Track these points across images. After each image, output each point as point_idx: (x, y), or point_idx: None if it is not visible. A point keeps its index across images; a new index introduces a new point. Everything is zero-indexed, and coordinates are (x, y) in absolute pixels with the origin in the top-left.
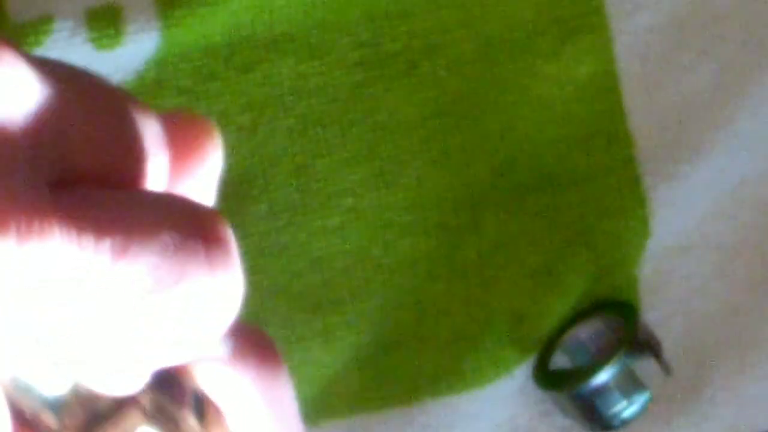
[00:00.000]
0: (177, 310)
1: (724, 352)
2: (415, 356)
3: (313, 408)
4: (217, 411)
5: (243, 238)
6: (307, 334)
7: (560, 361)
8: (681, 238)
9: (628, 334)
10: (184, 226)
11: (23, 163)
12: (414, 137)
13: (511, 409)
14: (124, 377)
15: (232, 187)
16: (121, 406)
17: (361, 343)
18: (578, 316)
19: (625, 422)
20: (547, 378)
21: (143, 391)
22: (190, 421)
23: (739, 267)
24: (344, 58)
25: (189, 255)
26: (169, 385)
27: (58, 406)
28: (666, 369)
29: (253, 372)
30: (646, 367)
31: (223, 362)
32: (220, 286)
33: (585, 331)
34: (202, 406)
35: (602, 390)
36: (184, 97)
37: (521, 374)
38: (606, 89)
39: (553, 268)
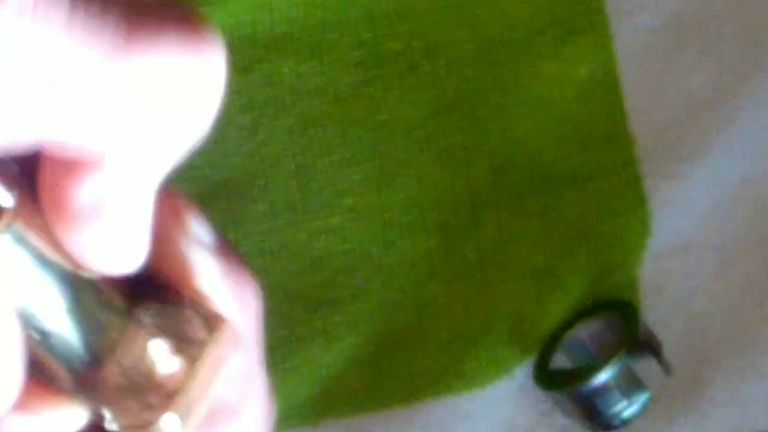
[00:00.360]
0: (146, 80)
1: (724, 352)
2: (415, 356)
3: (313, 408)
4: (223, 320)
5: (243, 238)
6: (307, 334)
7: (560, 361)
8: (681, 238)
9: (628, 334)
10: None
11: None
12: (414, 137)
13: (511, 409)
14: (132, 206)
15: (232, 187)
16: (125, 332)
17: (361, 343)
18: (578, 316)
19: (625, 422)
20: (547, 378)
21: (145, 309)
22: (196, 328)
23: (739, 267)
24: (344, 58)
25: (159, 24)
26: (169, 298)
27: (64, 345)
28: (666, 369)
29: (225, 273)
30: (646, 367)
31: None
32: (197, 62)
33: (585, 331)
34: (208, 317)
35: (602, 390)
36: None
37: (521, 374)
38: (606, 89)
39: (553, 268)
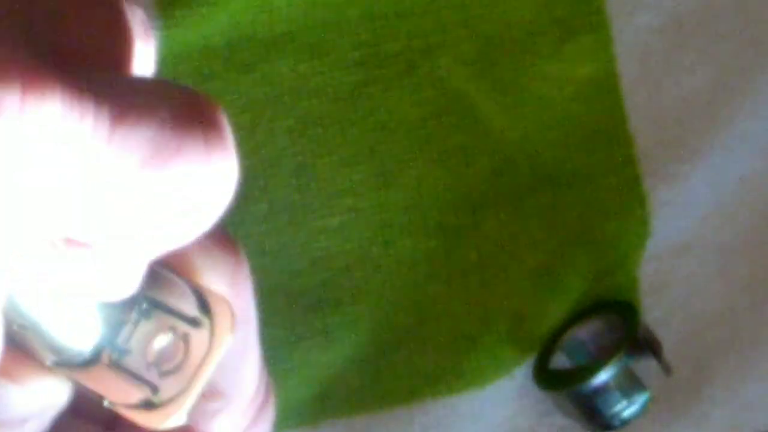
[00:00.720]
0: (172, 188)
1: (724, 352)
2: (415, 356)
3: (313, 408)
4: (220, 300)
5: (243, 238)
6: (307, 334)
7: (560, 361)
8: (681, 238)
9: (628, 334)
10: (183, 105)
11: (20, 30)
12: (414, 137)
13: (511, 409)
14: (121, 273)
15: None
16: (123, 319)
17: (361, 343)
18: (578, 316)
19: (625, 422)
20: (547, 378)
21: (143, 294)
22: (193, 310)
23: (739, 267)
24: (344, 58)
25: (186, 132)
26: (167, 285)
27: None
28: (666, 369)
29: (219, 256)
30: (646, 367)
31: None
32: (215, 168)
33: (585, 331)
34: (204, 298)
35: (602, 390)
36: None
37: (521, 374)
38: (606, 89)
39: (553, 268)
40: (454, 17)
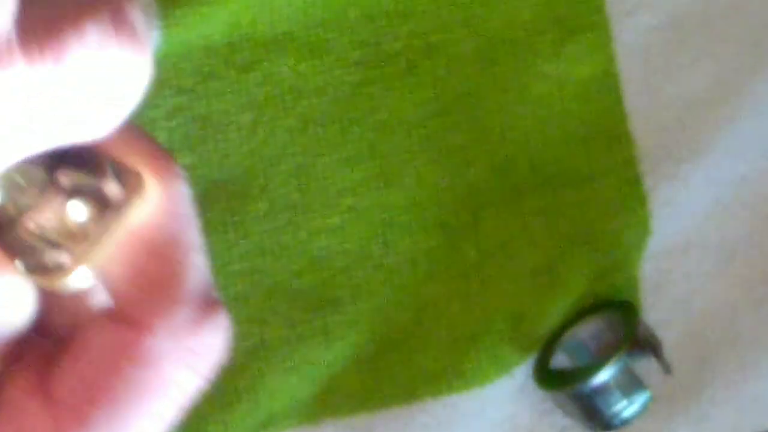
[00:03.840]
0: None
1: (724, 352)
2: (415, 356)
3: (314, 407)
4: (137, 176)
5: (243, 238)
6: (307, 333)
7: (560, 360)
8: (681, 237)
9: (628, 333)
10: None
11: None
12: (414, 137)
13: (511, 408)
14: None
15: (232, 187)
16: (44, 190)
17: (361, 343)
18: (578, 315)
19: (625, 421)
20: (548, 377)
21: (63, 171)
22: (112, 187)
23: (739, 267)
24: (344, 57)
25: (103, 39)
26: (88, 161)
27: None
28: (666, 368)
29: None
30: (646, 366)
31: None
32: (124, 57)
33: (585, 331)
34: (121, 174)
35: (602, 389)
36: (184, 96)
37: (521, 374)
38: (606, 89)
39: (554, 268)
40: (455, 17)
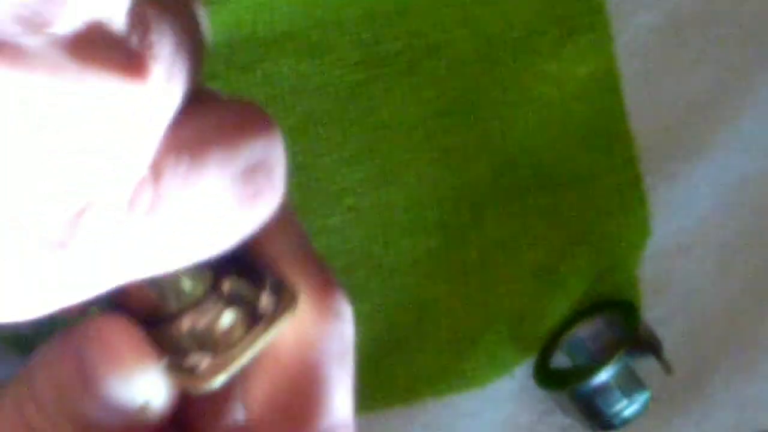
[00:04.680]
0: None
1: (724, 352)
2: (415, 356)
3: None
4: (291, 295)
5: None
6: None
7: (560, 360)
8: (681, 238)
9: (628, 333)
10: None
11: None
12: (414, 137)
13: (511, 408)
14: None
15: None
16: (207, 293)
17: (361, 343)
18: (578, 315)
19: (625, 421)
20: (548, 377)
21: (226, 278)
22: (266, 301)
23: (739, 267)
24: (344, 57)
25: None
26: (253, 271)
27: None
28: (666, 368)
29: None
30: (646, 366)
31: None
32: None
33: (585, 331)
34: (278, 290)
35: (603, 389)
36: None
37: (521, 374)
38: (606, 89)
39: (554, 268)
40: (454, 17)
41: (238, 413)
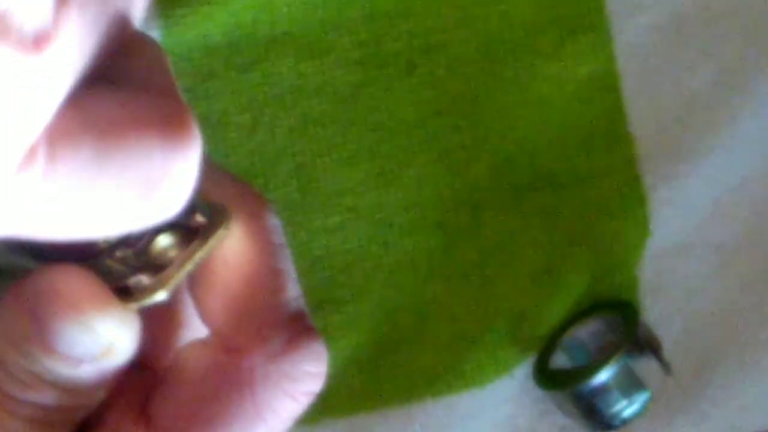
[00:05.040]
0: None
1: (724, 352)
2: (415, 356)
3: (313, 407)
4: (222, 209)
5: None
6: None
7: (560, 360)
8: (681, 238)
9: (628, 333)
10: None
11: None
12: (414, 137)
13: (511, 408)
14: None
15: None
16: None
17: (361, 343)
18: (578, 316)
19: (625, 421)
20: (547, 377)
21: None
22: (197, 220)
23: (739, 267)
24: (344, 57)
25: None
26: None
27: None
28: (666, 368)
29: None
30: (646, 366)
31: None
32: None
33: (585, 331)
34: (208, 210)
35: (602, 389)
36: (184, 96)
37: (521, 374)
38: (606, 89)
39: (553, 268)
40: (454, 17)
41: (197, 333)
